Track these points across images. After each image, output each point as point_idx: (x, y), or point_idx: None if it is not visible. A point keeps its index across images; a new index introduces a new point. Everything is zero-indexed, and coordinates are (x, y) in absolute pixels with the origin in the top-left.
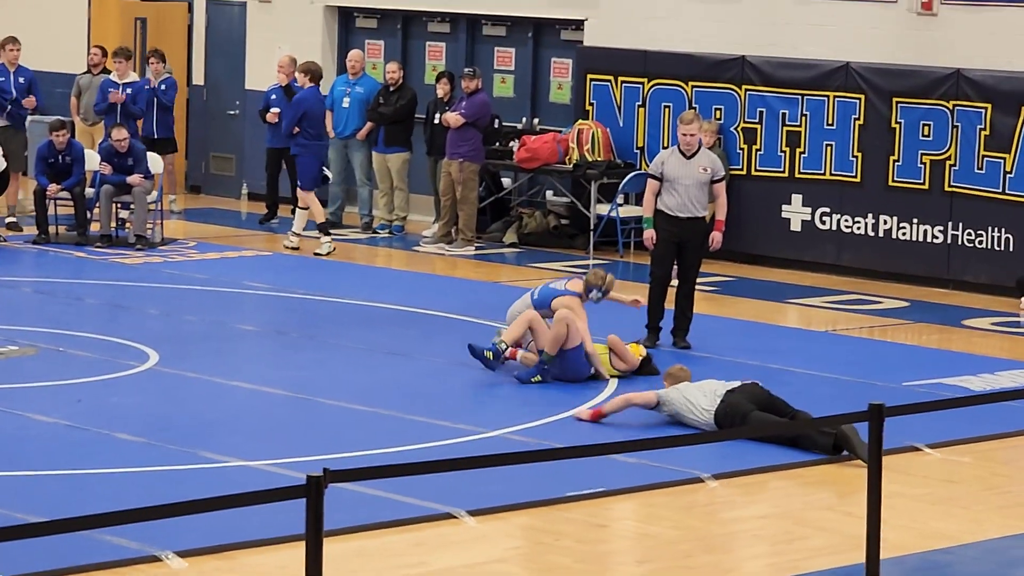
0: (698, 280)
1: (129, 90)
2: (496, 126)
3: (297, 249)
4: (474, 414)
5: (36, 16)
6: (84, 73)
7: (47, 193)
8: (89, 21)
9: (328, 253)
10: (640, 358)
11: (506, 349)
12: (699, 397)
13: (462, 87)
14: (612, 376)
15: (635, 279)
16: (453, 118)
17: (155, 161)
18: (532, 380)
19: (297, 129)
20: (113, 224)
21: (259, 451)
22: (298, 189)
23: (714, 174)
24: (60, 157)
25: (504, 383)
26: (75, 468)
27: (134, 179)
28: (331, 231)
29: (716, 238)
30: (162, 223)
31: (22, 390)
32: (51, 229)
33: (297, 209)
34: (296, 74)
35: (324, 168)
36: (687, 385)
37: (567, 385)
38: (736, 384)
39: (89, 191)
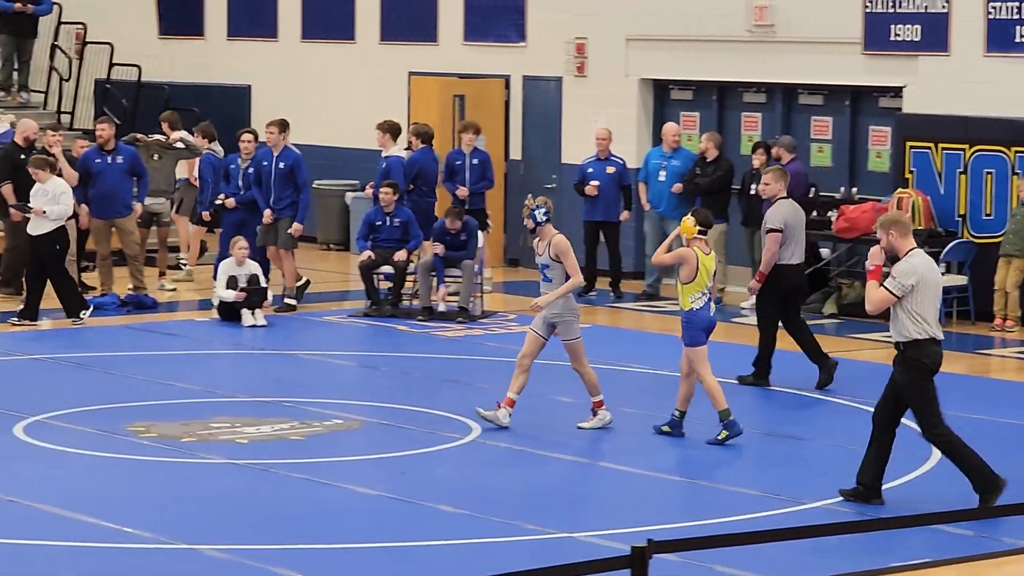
0: None
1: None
2: (811, 196)
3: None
4: (795, 485)
5: (356, 95)
6: (405, 149)
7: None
8: (409, 99)
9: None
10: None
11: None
12: None
13: (773, 156)
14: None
15: (957, 348)
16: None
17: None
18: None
19: (411, 187)
20: (433, 297)
21: (582, 523)
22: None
23: None
24: (388, 219)
25: (832, 448)
26: (399, 540)
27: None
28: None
29: None
30: (482, 296)
31: (347, 463)
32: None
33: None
34: (410, 137)
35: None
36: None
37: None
38: None
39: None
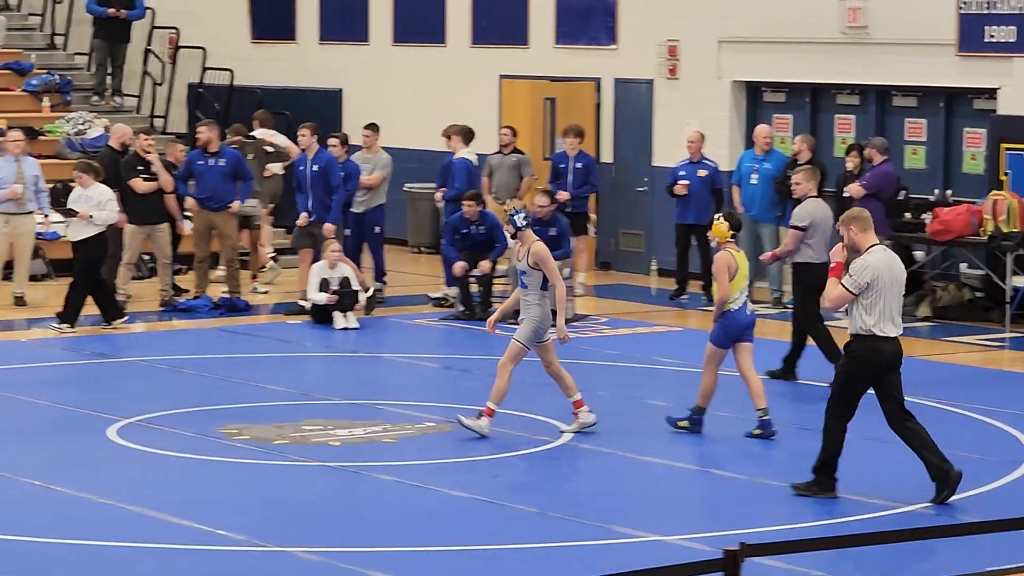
0: None
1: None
2: (901, 198)
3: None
4: (890, 488)
5: (447, 98)
6: (495, 153)
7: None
8: (500, 102)
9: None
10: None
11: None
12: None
13: (866, 158)
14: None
15: None
16: (855, 189)
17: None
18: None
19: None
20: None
21: (673, 526)
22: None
23: None
24: (473, 227)
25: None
26: (490, 543)
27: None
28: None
29: None
30: (573, 300)
31: (438, 466)
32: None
33: None
34: (451, 136)
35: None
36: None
37: (979, 462)
38: None
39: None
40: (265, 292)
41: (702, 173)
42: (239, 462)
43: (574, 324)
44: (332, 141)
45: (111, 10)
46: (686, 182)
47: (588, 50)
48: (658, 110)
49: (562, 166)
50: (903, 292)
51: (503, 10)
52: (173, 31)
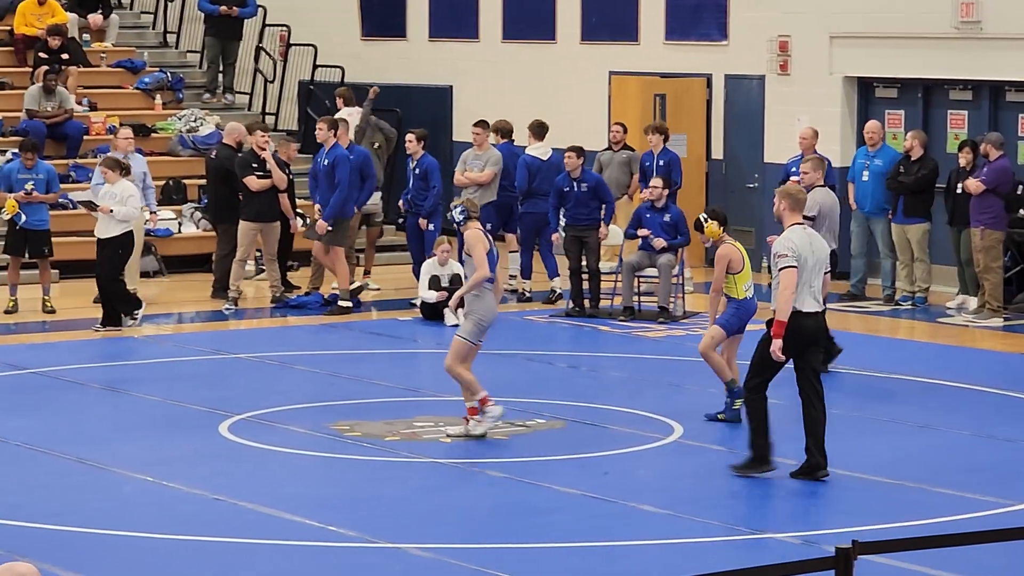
0: None
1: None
2: (1020, 192)
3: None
4: (1003, 486)
5: (557, 95)
6: (605, 150)
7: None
8: (609, 99)
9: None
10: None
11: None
12: None
13: (981, 153)
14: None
15: None
16: (974, 185)
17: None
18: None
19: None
20: (635, 298)
21: (785, 524)
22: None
23: None
24: (576, 185)
25: None
26: (601, 540)
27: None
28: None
29: None
30: (683, 297)
31: (550, 463)
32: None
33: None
34: (490, 133)
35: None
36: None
37: None
38: None
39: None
40: (377, 289)
41: None
42: (350, 458)
43: (684, 321)
44: (409, 138)
45: (223, 8)
46: (797, 178)
47: (699, 46)
48: (769, 106)
49: (647, 164)
50: (826, 271)
51: (613, 6)
52: (284, 28)
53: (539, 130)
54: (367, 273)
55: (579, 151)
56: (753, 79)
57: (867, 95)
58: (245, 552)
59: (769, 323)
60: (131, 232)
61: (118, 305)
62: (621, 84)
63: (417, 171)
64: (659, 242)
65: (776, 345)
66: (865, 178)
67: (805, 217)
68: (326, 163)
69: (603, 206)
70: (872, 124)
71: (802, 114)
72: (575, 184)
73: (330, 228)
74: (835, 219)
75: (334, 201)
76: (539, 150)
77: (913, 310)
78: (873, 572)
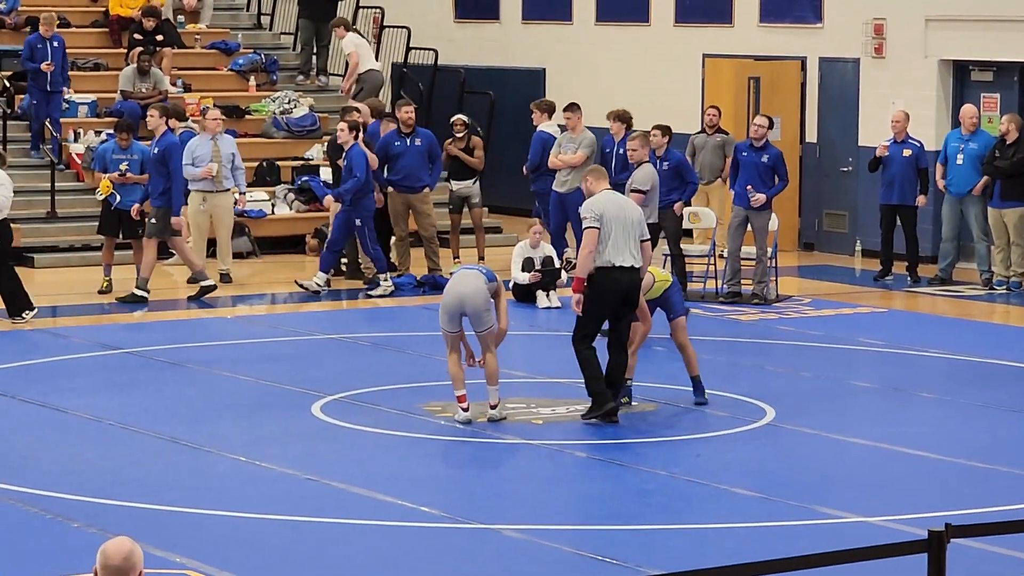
0: None
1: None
2: None
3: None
4: None
5: (650, 78)
6: (699, 133)
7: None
8: (703, 82)
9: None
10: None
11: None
12: None
13: None
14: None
15: None
16: None
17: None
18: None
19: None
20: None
21: (876, 507)
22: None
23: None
24: (659, 164)
25: None
26: (693, 523)
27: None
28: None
29: None
30: (776, 280)
31: (641, 445)
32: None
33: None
34: (581, 115)
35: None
36: None
37: None
38: None
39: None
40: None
41: (907, 153)
42: (442, 439)
43: (777, 304)
44: (341, 126)
45: None
46: (886, 143)
47: (793, 28)
48: (864, 89)
49: (608, 151)
50: (640, 232)
51: None
52: (378, 11)
53: (548, 108)
54: (456, 258)
55: (665, 129)
56: (848, 62)
57: (962, 78)
58: (337, 532)
59: (589, 279)
60: (7, 222)
61: (8, 303)
62: (715, 67)
63: (344, 163)
64: (758, 199)
65: (575, 299)
66: (960, 162)
67: (638, 191)
68: (156, 151)
69: (686, 187)
70: (968, 108)
71: (897, 97)
72: (660, 163)
73: (152, 220)
74: (656, 196)
75: (176, 190)
76: (551, 127)
77: (1008, 295)
78: (966, 556)
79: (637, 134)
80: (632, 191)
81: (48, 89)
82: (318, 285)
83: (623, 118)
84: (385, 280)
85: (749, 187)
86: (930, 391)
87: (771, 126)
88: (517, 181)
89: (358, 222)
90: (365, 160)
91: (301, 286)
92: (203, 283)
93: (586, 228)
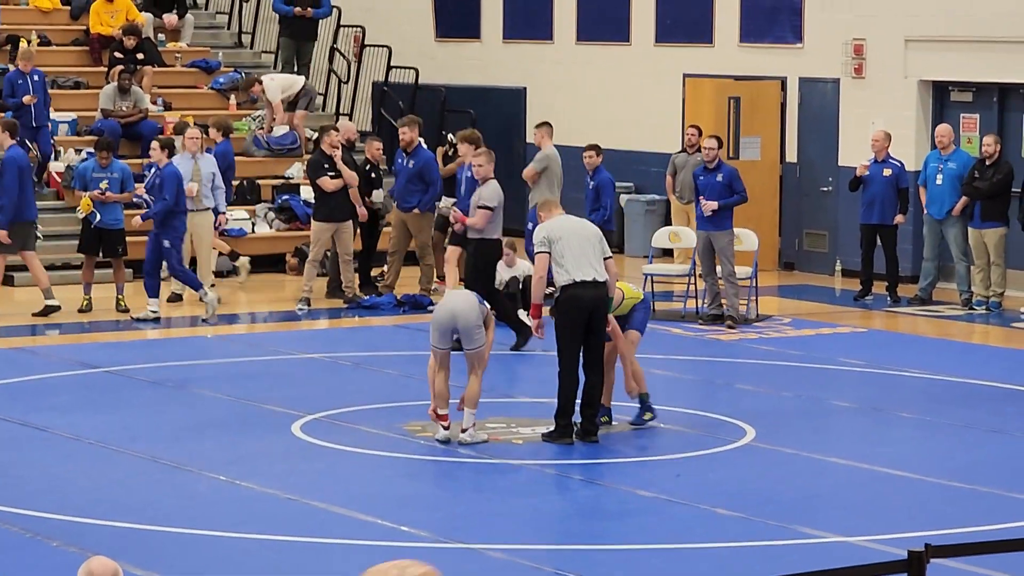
0: None
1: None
2: None
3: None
4: None
5: (631, 97)
6: (679, 152)
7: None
8: (683, 101)
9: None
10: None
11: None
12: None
13: None
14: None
15: None
16: None
17: (748, 238)
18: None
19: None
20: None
21: (857, 527)
22: None
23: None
24: (712, 176)
25: None
26: (673, 543)
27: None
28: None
29: None
30: (757, 299)
31: (621, 465)
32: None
33: None
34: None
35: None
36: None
37: None
38: None
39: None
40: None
41: (887, 172)
42: (423, 459)
43: (756, 324)
44: (153, 145)
45: (297, 9)
46: (866, 163)
47: (773, 48)
48: (844, 109)
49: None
50: (602, 248)
51: (687, 8)
52: (359, 30)
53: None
54: (440, 278)
55: (598, 149)
56: (828, 82)
57: (942, 99)
58: (317, 551)
59: (556, 300)
60: None
61: None
62: (695, 87)
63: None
64: (709, 206)
65: (534, 325)
66: (939, 182)
67: (485, 207)
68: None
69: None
70: (943, 128)
71: (877, 117)
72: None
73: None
74: (501, 213)
75: (6, 205)
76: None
77: (987, 315)
78: None
79: (482, 151)
80: (479, 208)
81: (33, 125)
82: (152, 312)
83: (471, 139)
84: (206, 295)
85: (700, 197)
86: (910, 411)
87: (721, 145)
88: None
89: (166, 243)
90: (176, 181)
91: (136, 319)
92: (48, 302)
93: (536, 253)
